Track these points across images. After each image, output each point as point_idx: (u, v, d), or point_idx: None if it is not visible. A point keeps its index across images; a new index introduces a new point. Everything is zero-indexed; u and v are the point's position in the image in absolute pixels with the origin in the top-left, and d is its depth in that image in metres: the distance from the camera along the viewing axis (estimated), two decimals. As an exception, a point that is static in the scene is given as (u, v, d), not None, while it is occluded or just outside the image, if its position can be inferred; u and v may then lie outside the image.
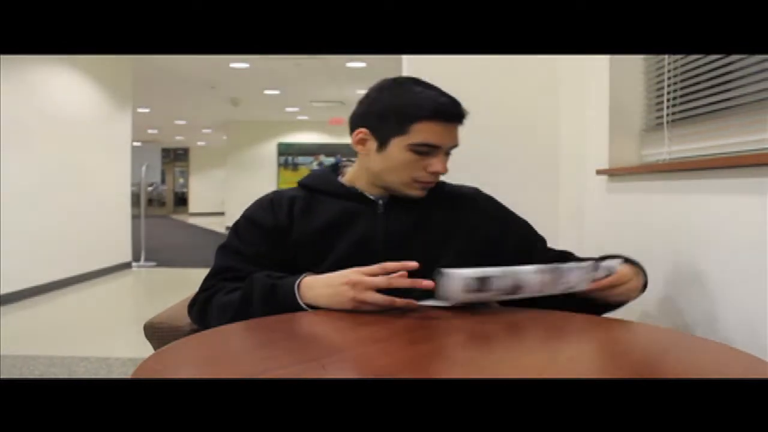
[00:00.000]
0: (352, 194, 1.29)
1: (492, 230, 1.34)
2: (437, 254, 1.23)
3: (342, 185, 1.31)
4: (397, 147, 1.22)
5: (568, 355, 0.92)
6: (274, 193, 1.36)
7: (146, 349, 1.08)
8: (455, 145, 1.25)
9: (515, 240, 1.36)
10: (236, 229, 1.30)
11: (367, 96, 1.28)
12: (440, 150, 1.22)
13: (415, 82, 1.25)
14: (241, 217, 1.32)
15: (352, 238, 1.24)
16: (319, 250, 1.23)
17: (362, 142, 1.26)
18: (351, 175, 1.33)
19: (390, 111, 1.22)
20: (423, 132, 1.20)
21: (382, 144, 1.23)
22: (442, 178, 1.32)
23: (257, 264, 1.22)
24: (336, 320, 1.06)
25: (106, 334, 4.20)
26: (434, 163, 1.22)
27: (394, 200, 1.29)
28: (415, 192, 1.26)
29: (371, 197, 1.29)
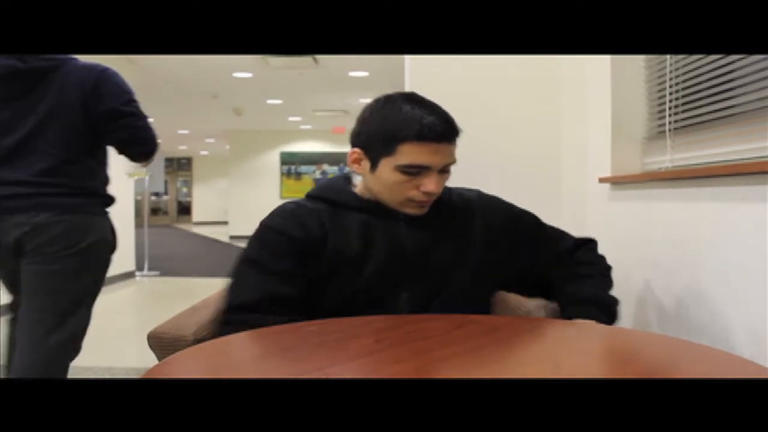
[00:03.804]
0: (374, 207, 1.27)
1: (502, 230, 1.35)
2: (460, 261, 1.28)
3: (362, 198, 1.29)
4: (387, 168, 1.20)
5: (572, 364, 0.91)
6: (294, 204, 1.30)
7: (150, 359, 1.08)
8: (450, 163, 1.22)
9: (523, 236, 1.37)
10: (262, 240, 1.24)
11: (361, 114, 1.26)
12: (431, 170, 1.19)
13: (408, 99, 1.22)
14: (264, 227, 1.26)
15: (385, 251, 1.23)
16: (356, 264, 1.22)
17: (357, 161, 1.26)
18: (366, 187, 1.30)
19: (377, 132, 1.20)
20: (409, 153, 1.17)
21: (373, 165, 1.22)
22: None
23: (289, 282, 1.19)
24: (337, 331, 1.06)
25: (109, 344, 4.19)
26: (426, 183, 1.19)
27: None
28: (413, 210, 1.25)
29: (392, 209, 1.27)
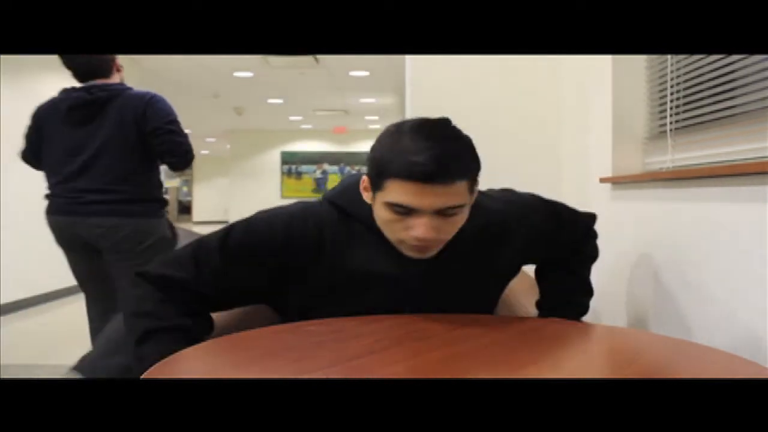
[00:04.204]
0: None
1: (529, 252, 1.30)
2: (477, 291, 1.23)
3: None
4: (379, 203, 1.08)
5: (573, 364, 0.91)
6: (302, 206, 1.18)
7: (150, 359, 1.08)
8: (452, 206, 1.04)
9: (543, 248, 1.34)
10: (228, 238, 1.14)
11: (375, 141, 1.15)
12: (421, 212, 1.04)
13: (416, 129, 1.06)
14: (247, 223, 1.16)
15: (391, 276, 1.14)
16: (356, 286, 1.14)
17: (366, 189, 1.14)
18: None
19: (373, 162, 1.08)
20: (395, 191, 1.03)
21: (373, 197, 1.11)
22: None
23: (210, 282, 1.12)
24: (337, 331, 1.06)
25: (110, 343, 4.18)
26: (415, 226, 1.04)
27: None
28: (410, 253, 1.10)
29: None
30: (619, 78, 1.99)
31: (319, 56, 6.84)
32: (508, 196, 1.30)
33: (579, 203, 2.27)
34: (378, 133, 1.26)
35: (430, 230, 1.04)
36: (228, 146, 14.51)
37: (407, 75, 2.51)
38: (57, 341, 4.20)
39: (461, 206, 1.06)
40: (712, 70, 1.56)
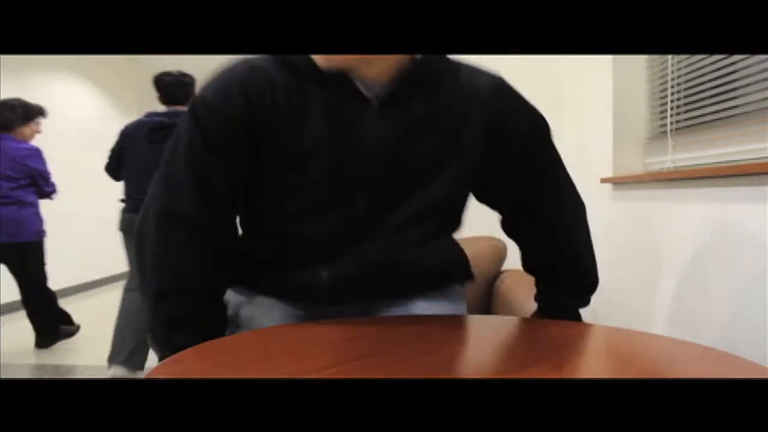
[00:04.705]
0: (339, 81, 1.02)
1: (508, 143, 1.15)
2: (444, 164, 1.08)
3: (325, 67, 1.00)
4: None
5: (573, 364, 0.91)
6: (249, 72, 1.03)
7: (152, 359, 1.08)
8: None
9: (523, 162, 1.19)
10: (197, 124, 1.02)
11: None
12: None
13: None
14: (202, 100, 1.02)
15: (344, 140, 1.02)
16: (306, 155, 1.02)
17: None
18: None
19: None
20: None
21: None
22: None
23: (223, 171, 1.02)
24: (338, 331, 1.06)
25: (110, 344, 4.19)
26: None
27: (393, 93, 1.04)
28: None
29: (363, 90, 1.03)
30: (619, 78, 1.99)
31: (319, 56, 6.84)
32: (510, 86, 1.16)
33: (579, 203, 2.28)
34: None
35: None
36: (228, 146, 14.51)
37: (408, 75, 2.51)
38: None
39: None
40: (713, 71, 1.56)
